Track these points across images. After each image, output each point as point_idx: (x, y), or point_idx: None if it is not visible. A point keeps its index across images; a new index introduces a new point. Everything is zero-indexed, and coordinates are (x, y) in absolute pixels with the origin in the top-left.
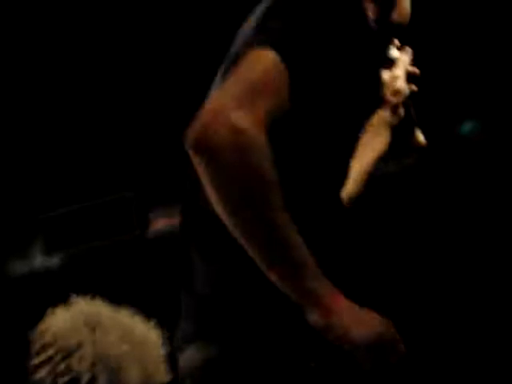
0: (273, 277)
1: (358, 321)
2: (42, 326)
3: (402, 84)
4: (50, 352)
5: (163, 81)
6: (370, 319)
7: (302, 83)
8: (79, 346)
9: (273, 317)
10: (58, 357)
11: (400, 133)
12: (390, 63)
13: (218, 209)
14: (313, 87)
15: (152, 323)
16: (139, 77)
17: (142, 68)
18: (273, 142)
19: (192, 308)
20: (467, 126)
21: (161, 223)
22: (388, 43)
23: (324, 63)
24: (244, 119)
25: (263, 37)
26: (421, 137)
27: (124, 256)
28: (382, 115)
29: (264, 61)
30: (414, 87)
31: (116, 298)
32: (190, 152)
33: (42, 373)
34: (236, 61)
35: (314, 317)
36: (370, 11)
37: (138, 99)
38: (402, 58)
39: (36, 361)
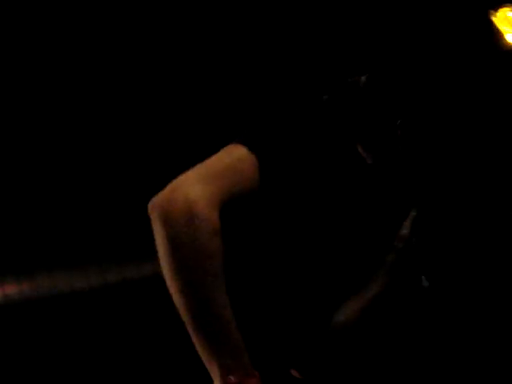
0: (194, 340)
1: None
2: None
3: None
4: None
5: None
6: None
7: (268, 177)
8: None
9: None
10: None
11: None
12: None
13: (161, 265)
14: (279, 183)
15: None
16: None
17: None
18: (241, 222)
19: None
20: None
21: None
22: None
23: (290, 171)
24: (199, 194)
25: (241, 136)
26: (424, 281)
27: None
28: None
29: (234, 153)
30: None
31: None
32: (149, 214)
33: None
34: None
35: None
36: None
37: None
38: None
39: None
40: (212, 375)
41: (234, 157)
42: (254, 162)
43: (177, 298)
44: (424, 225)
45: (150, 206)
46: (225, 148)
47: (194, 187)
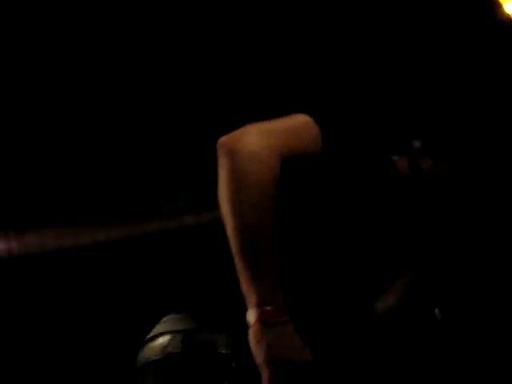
0: (237, 262)
1: (273, 343)
2: None
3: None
4: None
5: None
6: (289, 349)
7: (329, 148)
8: None
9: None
10: None
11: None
12: None
13: (220, 197)
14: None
15: None
16: None
17: None
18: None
19: None
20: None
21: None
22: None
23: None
24: (267, 143)
25: (308, 110)
26: (437, 314)
27: None
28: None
29: (298, 119)
30: None
31: None
32: (217, 149)
33: None
34: None
35: (248, 314)
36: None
37: None
38: None
39: None
40: (248, 303)
41: (298, 122)
42: (317, 131)
43: (230, 227)
44: (439, 257)
45: (219, 143)
46: (293, 115)
47: (263, 137)
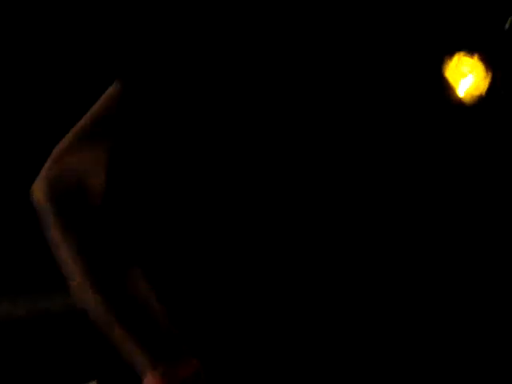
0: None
1: None
2: None
3: None
4: None
5: None
6: None
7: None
8: None
9: None
10: None
11: None
12: None
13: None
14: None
15: None
16: None
17: None
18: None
19: None
20: None
21: None
22: None
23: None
24: (37, 187)
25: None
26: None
27: None
28: None
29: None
30: None
31: None
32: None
33: None
34: None
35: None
36: None
37: None
38: None
39: None
40: (139, 369)
41: (102, 103)
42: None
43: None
44: None
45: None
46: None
47: (39, 179)
